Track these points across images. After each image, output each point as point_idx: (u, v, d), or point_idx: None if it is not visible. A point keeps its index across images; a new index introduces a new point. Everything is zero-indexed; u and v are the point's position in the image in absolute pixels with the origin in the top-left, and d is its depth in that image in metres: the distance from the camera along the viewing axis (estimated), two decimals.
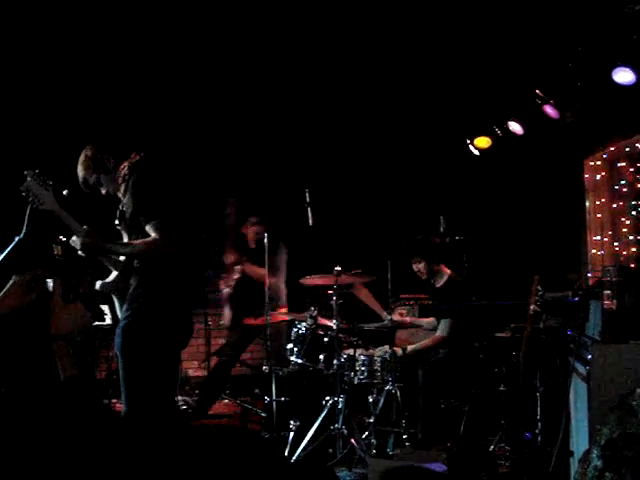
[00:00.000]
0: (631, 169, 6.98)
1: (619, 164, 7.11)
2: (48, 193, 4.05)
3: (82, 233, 4.07)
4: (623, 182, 7.05)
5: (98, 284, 4.22)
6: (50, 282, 2.68)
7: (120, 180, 4.20)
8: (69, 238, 4.14)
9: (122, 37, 6.94)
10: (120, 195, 4.25)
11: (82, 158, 4.30)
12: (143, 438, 3.65)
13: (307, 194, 6.19)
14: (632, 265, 6.68)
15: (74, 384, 2.41)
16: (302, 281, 6.08)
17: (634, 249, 6.91)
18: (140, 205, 4.07)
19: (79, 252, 4.13)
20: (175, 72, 7.63)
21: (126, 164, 4.20)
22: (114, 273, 4.24)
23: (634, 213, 6.87)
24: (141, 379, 4.03)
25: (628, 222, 7.03)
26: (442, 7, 6.56)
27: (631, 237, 6.95)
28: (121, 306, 4.19)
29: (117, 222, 4.27)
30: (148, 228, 4.02)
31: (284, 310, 6.97)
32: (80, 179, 4.31)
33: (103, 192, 4.32)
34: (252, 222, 7.40)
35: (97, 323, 6.83)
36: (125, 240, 4.24)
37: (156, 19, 6.79)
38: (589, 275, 7.11)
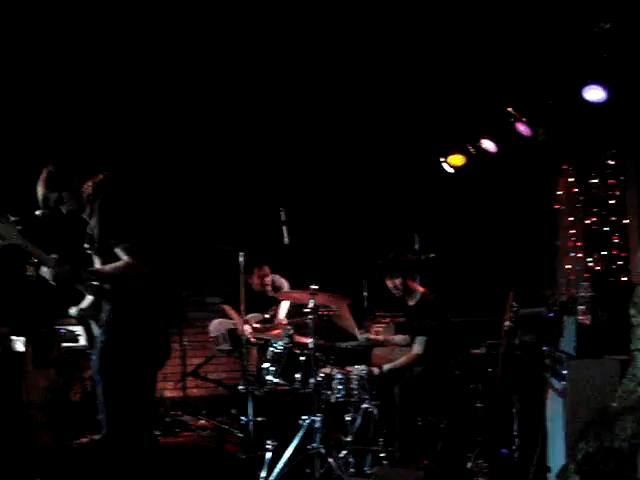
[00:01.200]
0: (602, 182, 7.05)
1: (591, 180, 7.17)
2: (8, 227, 3.96)
3: (52, 263, 3.99)
4: (595, 198, 7.11)
5: (73, 310, 4.16)
6: (17, 340, 2.66)
7: (85, 200, 4.15)
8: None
9: (88, 50, 6.90)
10: (85, 216, 4.18)
11: (44, 175, 4.19)
12: (122, 458, 3.63)
13: (282, 213, 6.19)
14: (606, 280, 6.73)
15: (51, 453, 2.41)
16: (278, 295, 6.07)
17: (607, 265, 6.96)
18: (108, 228, 4.02)
19: (50, 282, 4.05)
20: (149, 88, 7.61)
21: (90, 183, 4.13)
22: (88, 298, 4.17)
23: (607, 228, 6.93)
24: (120, 400, 3.99)
25: (601, 238, 7.08)
26: (414, 28, 6.61)
27: (604, 252, 7.00)
28: (98, 330, 4.14)
29: (86, 245, 4.20)
30: (118, 251, 3.96)
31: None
32: (40, 197, 4.19)
33: (64, 211, 4.22)
34: (264, 273, 7.63)
35: (71, 344, 6.78)
36: (97, 263, 4.17)
37: (126, 35, 6.77)
38: (563, 291, 7.16)
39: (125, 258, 3.94)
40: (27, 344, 3.47)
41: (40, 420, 2.68)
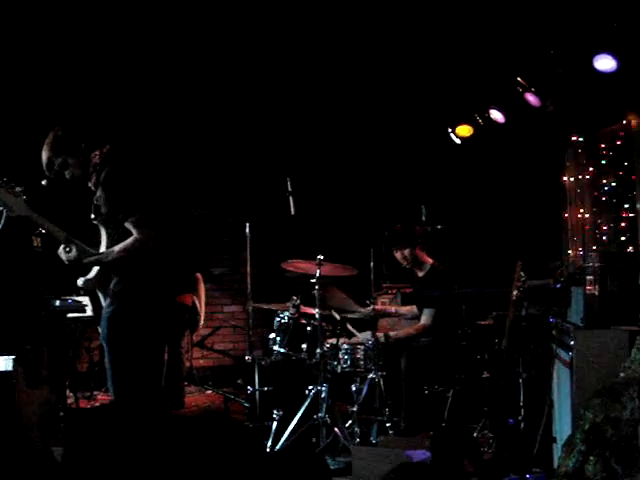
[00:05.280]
0: (611, 153, 7.00)
1: (600, 151, 7.13)
2: (17, 199, 3.95)
3: (63, 238, 4.01)
4: (604, 167, 7.07)
5: (80, 281, 4.15)
6: (3, 360, 2.62)
7: (91, 169, 4.11)
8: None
9: (96, 27, 6.86)
10: (90, 185, 4.15)
11: (50, 138, 4.14)
12: (130, 425, 3.64)
13: (289, 183, 6.16)
14: (614, 250, 6.71)
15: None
16: (285, 265, 6.02)
17: (615, 235, 6.93)
18: (116, 202, 4.00)
19: (65, 262, 4.07)
20: (154, 60, 7.58)
21: (97, 153, 4.10)
22: (95, 269, 4.16)
23: (615, 199, 6.91)
24: (128, 368, 4.00)
25: (609, 209, 7.05)
26: None
27: (612, 224, 6.98)
28: (105, 299, 4.14)
29: (93, 216, 4.18)
30: (127, 225, 3.95)
31: None
32: (44, 160, 4.15)
33: (67, 176, 4.18)
34: None
35: (78, 315, 6.76)
36: (103, 233, 4.16)
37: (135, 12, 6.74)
38: (570, 262, 7.14)
39: (135, 233, 3.93)
40: (16, 364, 3.44)
41: (42, 443, 2.66)
